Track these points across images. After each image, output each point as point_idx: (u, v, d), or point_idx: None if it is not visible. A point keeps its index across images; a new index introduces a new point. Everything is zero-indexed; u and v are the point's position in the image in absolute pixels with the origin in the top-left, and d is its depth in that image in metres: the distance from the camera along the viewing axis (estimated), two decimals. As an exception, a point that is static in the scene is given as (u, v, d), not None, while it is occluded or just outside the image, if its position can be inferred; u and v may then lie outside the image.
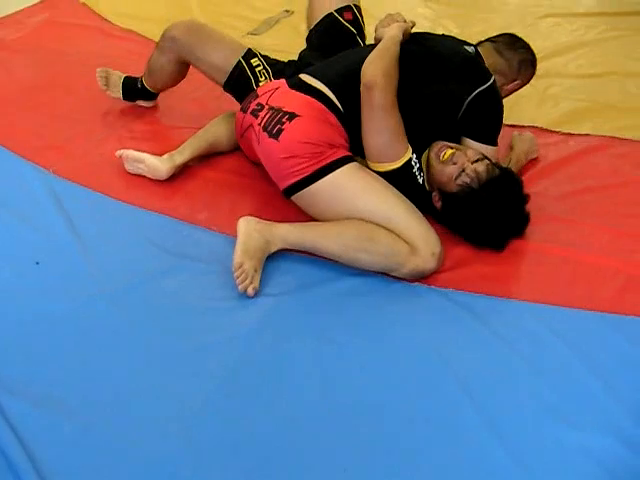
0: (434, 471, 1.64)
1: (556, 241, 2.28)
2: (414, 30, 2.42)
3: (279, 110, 2.24)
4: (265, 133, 2.23)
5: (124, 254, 2.18)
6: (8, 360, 1.83)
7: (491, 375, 1.86)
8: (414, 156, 2.20)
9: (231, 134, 2.56)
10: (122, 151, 2.47)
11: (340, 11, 2.62)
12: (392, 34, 2.28)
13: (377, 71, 2.16)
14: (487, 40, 2.59)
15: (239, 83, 2.52)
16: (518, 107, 2.93)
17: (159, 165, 2.42)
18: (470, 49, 2.45)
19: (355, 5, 2.66)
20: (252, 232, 2.10)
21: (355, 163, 2.20)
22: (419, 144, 2.24)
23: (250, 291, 2.02)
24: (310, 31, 2.66)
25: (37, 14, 3.64)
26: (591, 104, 3.04)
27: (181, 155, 2.47)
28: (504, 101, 2.45)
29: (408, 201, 2.17)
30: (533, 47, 2.62)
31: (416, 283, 2.12)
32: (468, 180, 2.17)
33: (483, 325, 2.00)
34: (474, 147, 2.32)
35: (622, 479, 1.63)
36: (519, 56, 2.57)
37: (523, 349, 1.94)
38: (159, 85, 2.77)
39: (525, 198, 2.23)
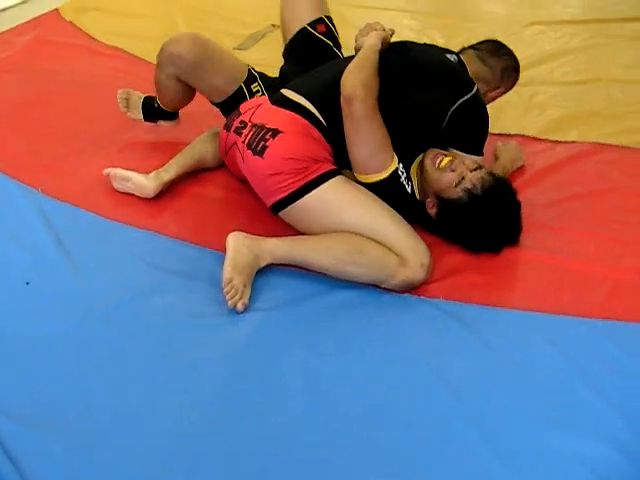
0: (425, 478, 1.64)
1: (544, 248, 2.29)
2: (396, 39, 2.42)
3: (262, 127, 2.24)
4: (249, 151, 2.23)
5: (114, 272, 2.18)
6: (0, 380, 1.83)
7: (483, 384, 1.87)
8: (400, 165, 2.20)
9: (216, 150, 2.56)
10: (110, 169, 2.47)
11: (313, 25, 2.61)
12: (371, 43, 2.27)
13: (356, 82, 2.15)
14: (470, 47, 2.60)
15: (234, 104, 2.50)
16: (504, 116, 2.94)
17: (146, 183, 2.43)
18: (452, 57, 2.46)
19: (327, 16, 2.65)
20: (241, 247, 2.10)
21: (341, 176, 2.21)
22: (404, 154, 2.24)
23: (240, 307, 2.02)
24: (286, 46, 2.66)
25: (25, 33, 3.66)
26: (577, 111, 3.05)
27: (167, 173, 2.47)
28: (489, 110, 2.45)
29: (395, 213, 2.18)
30: (518, 55, 2.64)
31: (406, 294, 2.12)
32: (470, 186, 2.18)
33: (473, 334, 2.00)
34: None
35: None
36: (502, 63, 2.57)
37: (514, 357, 1.94)
38: (170, 104, 2.70)
39: (520, 205, 2.25)
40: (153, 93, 2.70)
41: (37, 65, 3.33)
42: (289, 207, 2.19)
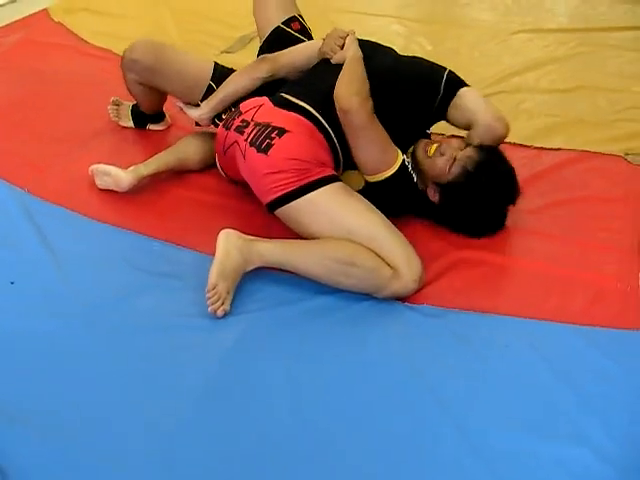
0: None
1: (528, 255, 2.31)
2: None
3: (267, 125, 2.25)
4: (253, 148, 2.23)
5: (99, 273, 2.18)
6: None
7: (465, 388, 1.87)
8: (404, 157, 2.24)
9: (201, 152, 2.58)
10: (94, 166, 2.47)
11: (287, 23, 2.65)
12: (352, 54, 2.29)
13: (349, 95, 2.16)
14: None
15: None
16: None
17: (122, 176, 2.43)
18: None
19: (299, 15, 2.70)
20: (231, 250, 2.09)
21: (340, 183, 2.22)
22: (405, 145, 2.30)
23: (219, 312, 2.02)
24: (261, 46, 2.68)
25: (13, 33, 3.65)
26: (563, 119, 3.08)
27: (146, 167, 2.48)
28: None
29: (391, 223, 2.18)
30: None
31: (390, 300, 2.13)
32: (462, 164, 2.23)
33: (457, 339, 2.01)
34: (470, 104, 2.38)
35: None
36: None
37: (497, 362, 1.95)
38: (145, 107, 2.79)
39: (513, 169, 2.31)
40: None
41: (25, 65, 3.32)
42: (285, 207, 2.19)
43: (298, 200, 2.16)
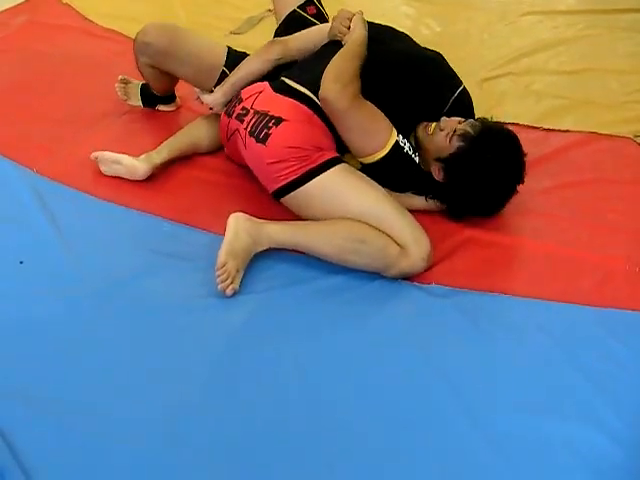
0: (417, 464, 1.65)
1: (537, 236, 2.31)
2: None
3: (265, 114, 2.24)
4: (252, 138, 2.23)
5: (108, 253, 2.18)
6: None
7: (473, 369, 1.88)
8: (400, 137, 2.20)
9: (211, 136, 2.57)
10: (97, 153, 2.45)
11: (303, 7, 2.62)
12: (355, 36, 2.27)
13: (327, 81, 2.15)
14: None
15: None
16: (500, 103, 2.96)
17: (137, 165, 2.41)
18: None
19: None
20: (240, 232, 2.10)
21: (344, 164, 2.21)
22: (408, 129, 2.28)
23: (229, 291, 2.02)
24: (277, 29, 2.66)
25: (20, 15, 3.62)
26: (572, 100, 3.06)
27: (159, 155, 2.46)
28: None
29: (398, 203, 2.18)
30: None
31: (399, 280, 2.13)
32: (463, 132, 2.20)
33: (465, 319, 2.02)
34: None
35: (602, 469, 1.65)
36: None
37: (505, 342, 1.96)
38: (157, 88, 2.76)
39: (516, 136, 2.28)
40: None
41: (32, 47, 3.31)
42: (291, 194, 2.19)
43: (303, 186, 2.17)
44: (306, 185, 2.16)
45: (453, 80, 2.39)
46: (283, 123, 2.21)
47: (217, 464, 1.63)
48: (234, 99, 2.42)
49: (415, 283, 2.13)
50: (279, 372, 1.85)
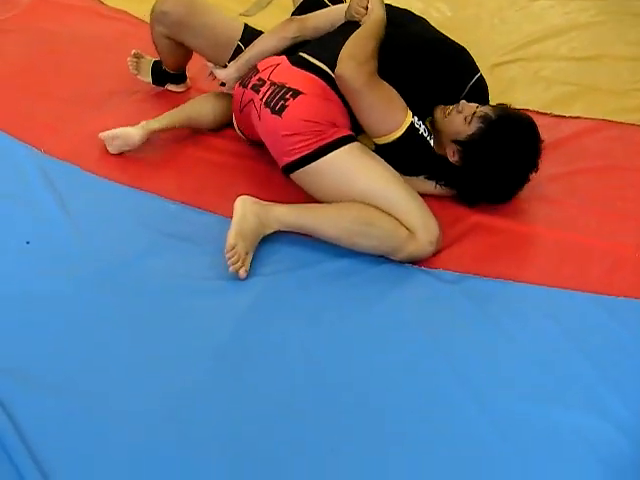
0: (423, 450, 1.65)
1: (546, 222, 2.30)
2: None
3: (282, 86, 2.23)
4: (267, 109, 2.22)
5: (115, 233, 2.17)
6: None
7: (481, 355, 1.88)
8: (416, 119, 2.18)
9: (217, 112, 2.56)
10: (102, 134, 2.45)
11: None
12: (374, 17, 2.25)
13: (343, 59, 2.13)
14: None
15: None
16: (510, 89, 2.94)
17: (131, 131, 2.41)
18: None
19: None
20: (247, 214, 2.08)
21: (357, 143, 2.20)
22: (424, 109, 2.26)
23: (242, 273, 2.01)
24: (294, 12, 2.62)
25: (28, -6, 3.61)
26: (582, 87, 3.04)
27: (159, 122, 2.46)
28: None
29: (408, 186, 2.17)
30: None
31: (407, 264, 2.12)
32: (482, 114, 2.18)
33: (473, 305, 2.01)
34: None
35: (608, 457, 1.65)
36: None
37: (513, 329, 1.95)
38: (169, 63, 2.74)
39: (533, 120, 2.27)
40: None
41: (40, 26, 3.29)
42: (302, 169, 2.18)
43: (315, 162, 2.15)
44: (318, 161, 2.15)
45: (472, 67, 2.38)
46: (300, 96, 2.19)
47: (222, 448, 1.62)
48: (250, 71, 2.40)
49: (423, 267, 2.12)
50: (285, 356, 1.84)
